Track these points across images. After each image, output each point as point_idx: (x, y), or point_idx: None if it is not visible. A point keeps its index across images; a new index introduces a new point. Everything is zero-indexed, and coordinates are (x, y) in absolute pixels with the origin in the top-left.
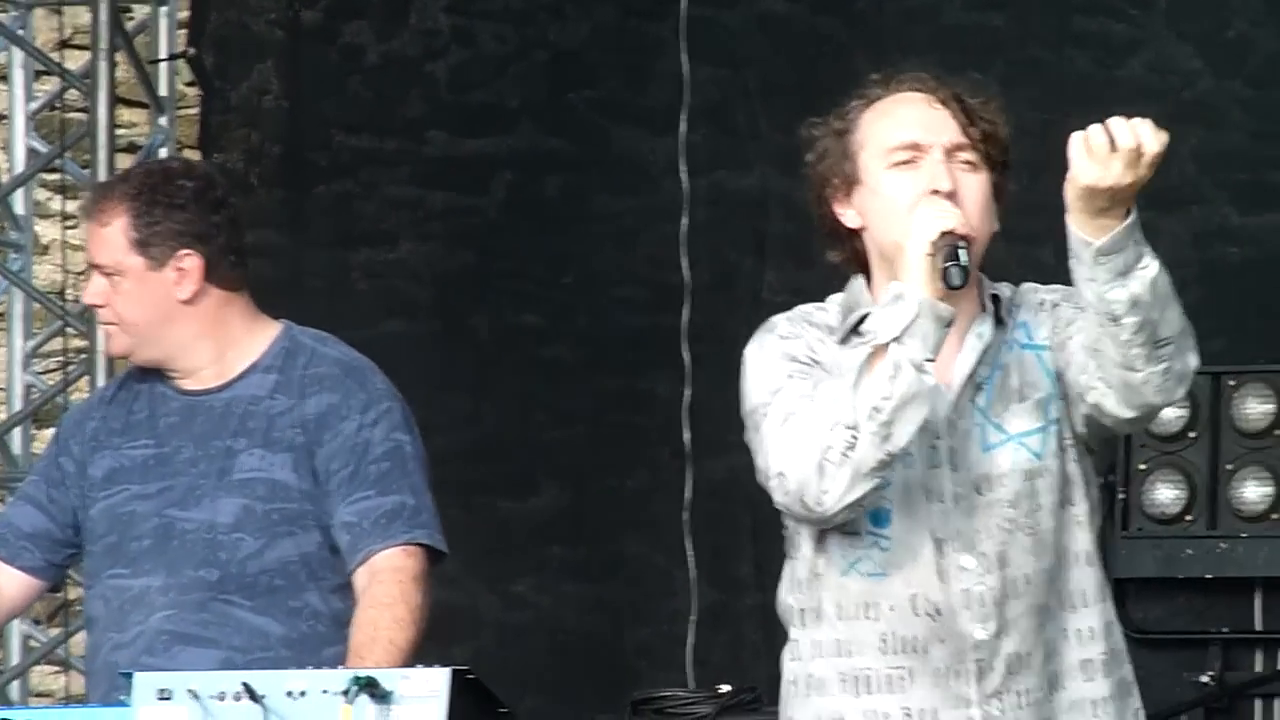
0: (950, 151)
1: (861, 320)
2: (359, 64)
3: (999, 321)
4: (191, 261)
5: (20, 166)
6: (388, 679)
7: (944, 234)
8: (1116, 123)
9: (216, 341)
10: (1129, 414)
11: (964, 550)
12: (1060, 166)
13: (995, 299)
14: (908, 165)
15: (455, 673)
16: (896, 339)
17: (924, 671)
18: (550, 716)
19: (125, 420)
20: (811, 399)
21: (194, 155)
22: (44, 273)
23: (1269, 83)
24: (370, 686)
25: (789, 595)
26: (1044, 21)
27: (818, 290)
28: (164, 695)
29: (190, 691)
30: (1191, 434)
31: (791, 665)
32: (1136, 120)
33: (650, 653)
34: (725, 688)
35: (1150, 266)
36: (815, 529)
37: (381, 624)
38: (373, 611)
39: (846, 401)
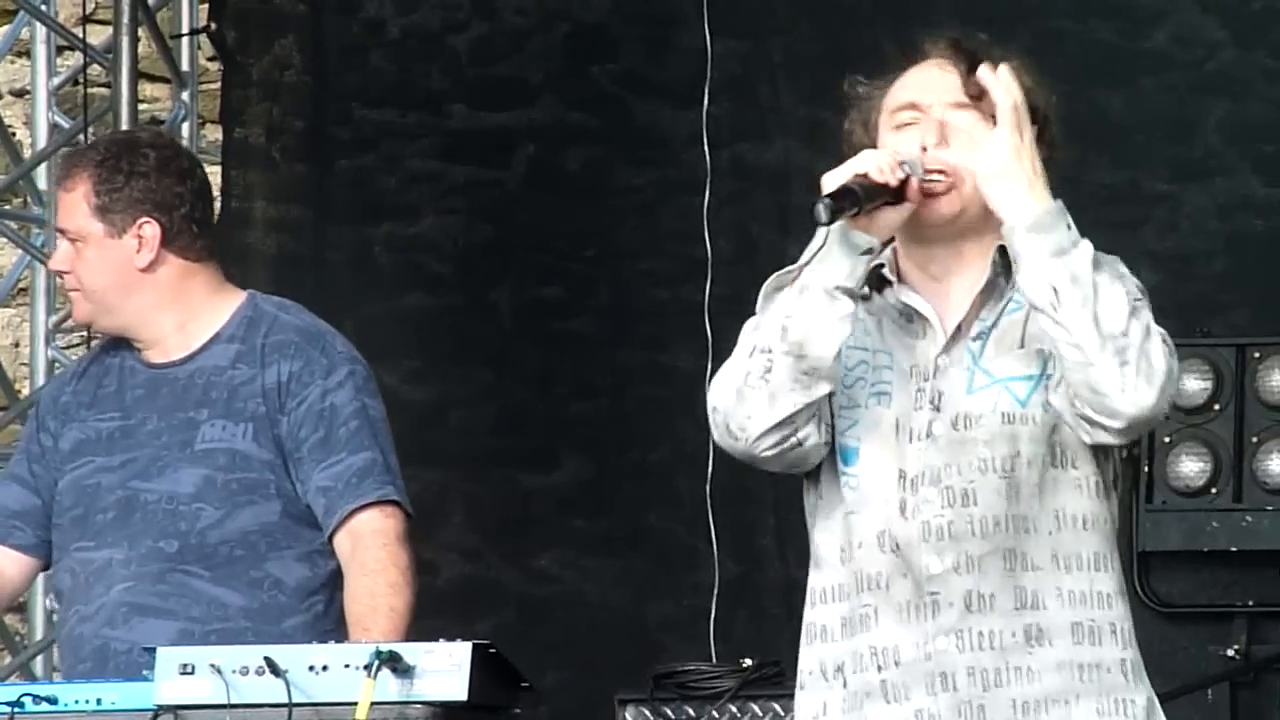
0: (948, 109)
1: (875, 272)
2: (380, 38)
3: (1008, 275)
4: (150, 229)
5: (43, 142)
6: (410, 653)
7: (858, 175)
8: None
9: (177, 312)
10: (1109, 424)
11: (930, 484)
12: (1083, 139)
13: (1002, 250)
14: (910, 126)
15: (477, 647)
16: (806, 264)
17: (888, 608)
18: (572, 690)
19: (94, 394)
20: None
21: (215, 130)
22: None
23: None
24: (392, 661)
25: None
26: None
27: None
28: (186, 670)
29: (213, 666)
30: (1216, 406)
31: (805, 614)
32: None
33: (673, 627)
34: (748, 661)
35: (1084, 246)
36: (805, 476)
37: (378, 591)
38: (366, 580)
39: (763, 327)
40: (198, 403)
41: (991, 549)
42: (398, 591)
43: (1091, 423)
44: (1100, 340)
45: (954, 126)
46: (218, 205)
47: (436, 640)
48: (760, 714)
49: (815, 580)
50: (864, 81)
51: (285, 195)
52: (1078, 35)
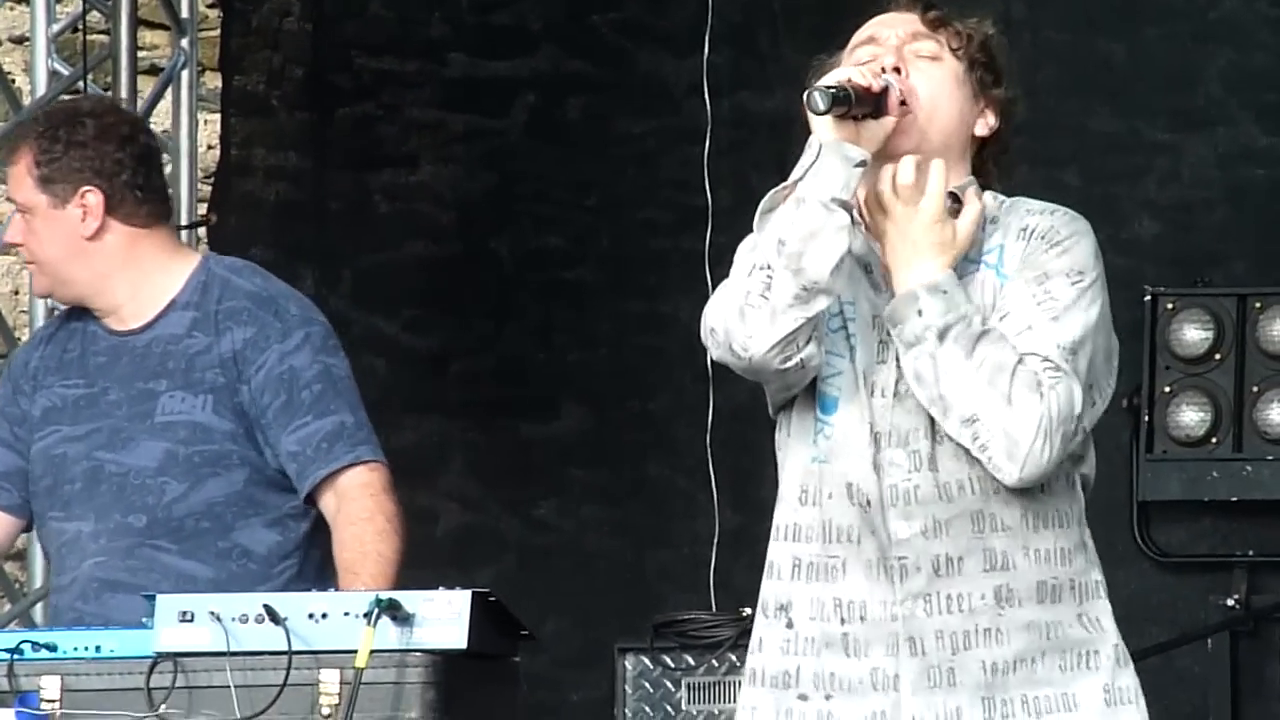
0: (906, 41)
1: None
2: None
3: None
4: (93, 197)
5: (42, 89)
6: (410, 601)
7: (842, 81)
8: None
9: (129, 279)
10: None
11: (897, 446)
12: (1085, 88)
13: (953, 195)
14: (869, 63)
15: (477, 595)
16: (800, 178)
17: (856, 562)
18: (572, 639)
19: (60, 359)
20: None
21: (215, 77)
22: None
23: None
24: (392, 609)
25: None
26: None
27: None
28: (185, 617)
29: (212, 614)
30: (1216, 356)
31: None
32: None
33: (672, 576)
34: (747, 610)
35: (928, 339)
36: (780, 404)
37: (366, 538)
38: (354, 528)
39: (761, 245)
40: (155, 373)
41: (959, 512)
42: (385, 538)
43: None
44: (958, 425)
45: (911, 54)
46: (216, 153)
47: (436, 588)
48: None
49: (775, 516)
50: (825, 57)
51: (285, 143)
52: None
